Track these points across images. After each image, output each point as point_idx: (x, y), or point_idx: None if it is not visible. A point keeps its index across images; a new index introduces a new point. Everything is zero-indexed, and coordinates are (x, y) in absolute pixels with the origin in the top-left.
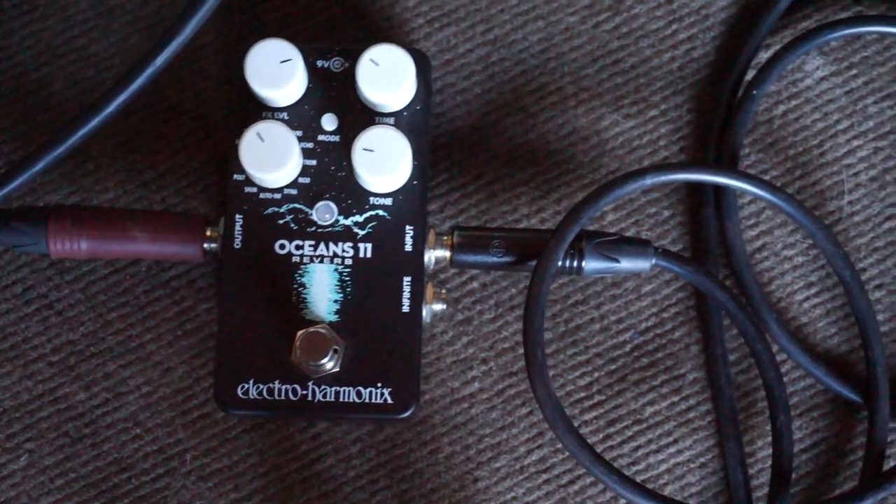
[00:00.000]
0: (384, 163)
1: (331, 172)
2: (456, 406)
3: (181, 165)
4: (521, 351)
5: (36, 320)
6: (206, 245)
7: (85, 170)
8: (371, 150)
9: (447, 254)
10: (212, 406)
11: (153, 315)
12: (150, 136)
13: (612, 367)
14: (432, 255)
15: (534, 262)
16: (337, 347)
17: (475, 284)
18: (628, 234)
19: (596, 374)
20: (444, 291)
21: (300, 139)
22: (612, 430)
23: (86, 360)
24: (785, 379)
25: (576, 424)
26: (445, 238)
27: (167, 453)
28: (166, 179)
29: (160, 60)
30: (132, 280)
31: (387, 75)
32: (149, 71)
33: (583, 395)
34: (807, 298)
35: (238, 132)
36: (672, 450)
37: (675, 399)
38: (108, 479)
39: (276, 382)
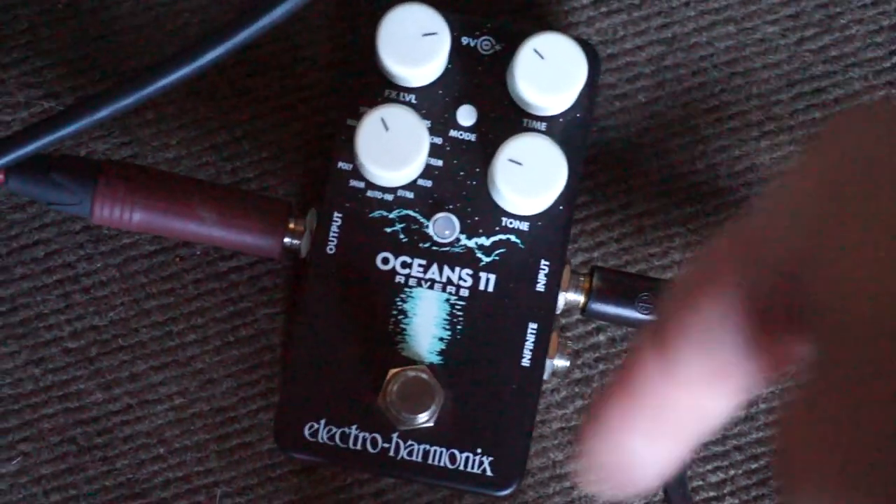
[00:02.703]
0: (532, 181)
1: (459, 179)
2: (555, 483)
3: (264, 132)
4: None
5: (56, 294)
6: (286, 240)
7: (143, 118)
8: (519, 164)
9: (581, 299)
10: (256, 434)
11: (201, 311)
12: (230, 89)
13: (753, 465)
14: (563, 298)
15: None
16: (437, 398)
17: (601, 338)
18: None
19: (732, 472)
20: (569, 344)
21: (428, 132)
22: None
23: (110, 353)
24: None
25: None
26: (582, 280)
27: (193, 483)
28: (242, 146)
29: (282, 10)
30: (182, 264)
31: (552, 72)
32: (267, 19)
33: (712, 494)
34: None
35: (349, 108)
36: None
37: None
38: (116, 503)
39: (354, 428)
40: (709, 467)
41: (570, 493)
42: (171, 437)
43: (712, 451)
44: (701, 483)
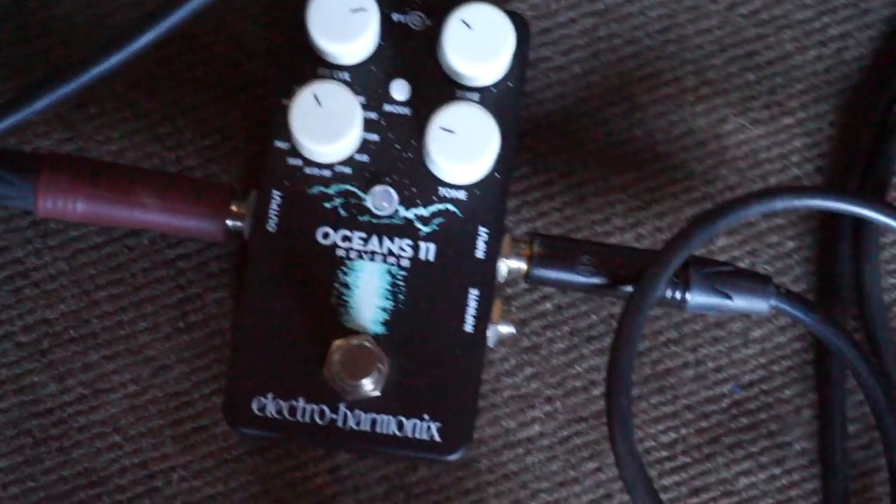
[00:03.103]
0: (465, 148)
1: (395, 152)
2: (509, 451)
3: (205, 120)
4: (596, 392)
5: (7, 290)
6: (229, 222)
7: (86, 113)
8: (451, 132)
9: (523, 266)
10: (210, 418)
11: (151, 299)
12: (171, 80)
13: (704, 424)
14: (505, 266)
15: (627, 288)
16: (381, 366)
17: (548, 305)
18: (741, 264)
19: (683, 431)
20: (513, 310)
21: (362, 107)
22: (695, 500)
23: (62, 345)
24: None
25: None
26: (523, 247)
27: (150, 469)
28: (185, 135)
29: None
30: (130, 254)
31: (480, 42)
32: (196, 2)
33: (664, 454)
34: None
35: (285, 89)
36: None
37: (777, 472)
38: (74, 493)
39: (301, 401)
40: (660, 427)
41: (523, 460)
42: (127, 425)
43: (663, 412)
44: (652, 444)
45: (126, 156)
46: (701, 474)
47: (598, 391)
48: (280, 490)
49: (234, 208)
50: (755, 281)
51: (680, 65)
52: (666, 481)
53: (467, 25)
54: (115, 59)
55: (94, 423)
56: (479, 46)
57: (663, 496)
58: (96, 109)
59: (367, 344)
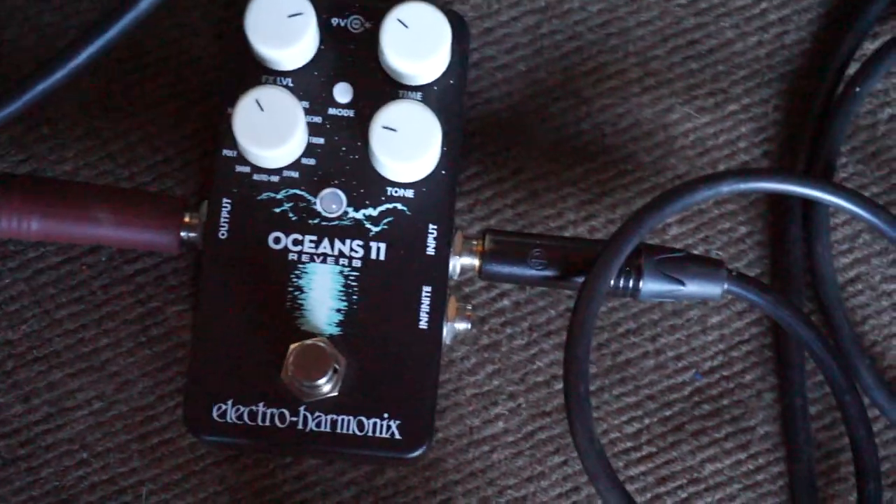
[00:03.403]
0: (408, 146)
1: (341, 154)
2: (474, 449)
3: (156, 136)
4: (557, 386)
5: None
6: (183, 234)
7: (39, 134)
8: (393, 130)
9: (476, 262)
10: (176, 430)
11: (111, 315)
12: (121, 97)
13: (667, 412)
14: (458, 263)
15: (580, 279)
16: (337, 366)
17: (506, 302)
18: (695, 251)
19: (647, 421)
20: (469, 308)
21: (306, 111)
22: (662, 489)
23: (26, 365)
24: (877, 440)
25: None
26: (475, 243)
27: (118, 485)
28: (137, 151)
29: (145, 4)
30: (89, 272)
31: (417, 40)
32: (131, 15)
33: (629, 444)
34: None
35: (231, 99)
36: None
37: (742, 456)
38: None
39: (261, 405)
40: (624, 418)
41: (489, 457)
42: (93, 442)
43: (626, 402)
44: (617, 435)
45: (80, 174)
46: (666, 463)
47: (559, 385)
48: (249, 499)
49: (186, 219)
50: (707, 266)
51: (623, 57)
52: (632, 472)
53: (404, 24)
54: (57, 76)
55: (62, 442)
56: (416, 44)
57: (630, 487)
58: (49, 130)
59: (320, 344)
